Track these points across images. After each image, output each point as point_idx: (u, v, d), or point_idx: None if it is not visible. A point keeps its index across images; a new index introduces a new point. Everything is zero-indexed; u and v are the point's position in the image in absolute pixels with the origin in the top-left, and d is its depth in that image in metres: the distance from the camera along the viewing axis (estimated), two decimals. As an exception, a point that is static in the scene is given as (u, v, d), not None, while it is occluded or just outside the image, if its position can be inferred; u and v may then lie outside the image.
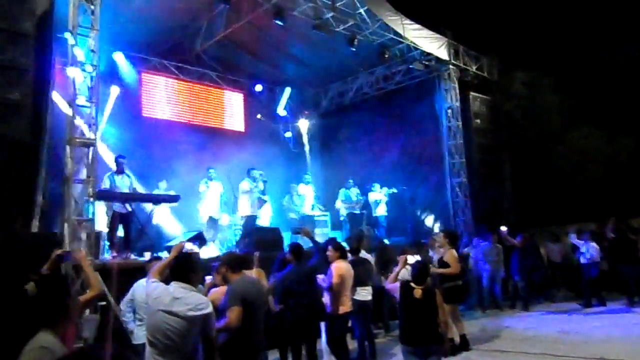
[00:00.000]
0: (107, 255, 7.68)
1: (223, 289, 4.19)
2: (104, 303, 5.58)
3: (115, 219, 7.98)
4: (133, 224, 8.15)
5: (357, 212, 11.81)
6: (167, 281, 3.32)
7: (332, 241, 6.44)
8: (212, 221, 9.90)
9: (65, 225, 6.33)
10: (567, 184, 12.35)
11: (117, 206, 7.96)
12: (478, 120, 13.11)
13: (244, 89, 13.94)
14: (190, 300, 3.13)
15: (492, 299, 10.01)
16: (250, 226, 9.47)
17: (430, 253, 8.33)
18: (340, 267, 5.78)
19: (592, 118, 12.61)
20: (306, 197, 11.63)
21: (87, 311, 5.40)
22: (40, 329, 2.25)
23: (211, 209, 9.93)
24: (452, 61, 12.45)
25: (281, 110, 14.54)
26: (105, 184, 7.98)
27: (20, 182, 6.50)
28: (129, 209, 8.01)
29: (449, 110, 12.44)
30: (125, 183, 8.17)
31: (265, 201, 10.50)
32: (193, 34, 11.04)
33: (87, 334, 5.21)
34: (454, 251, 6.93)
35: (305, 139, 14.95)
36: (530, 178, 12.78)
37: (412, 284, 4.55)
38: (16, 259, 4.31)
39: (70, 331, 3.38)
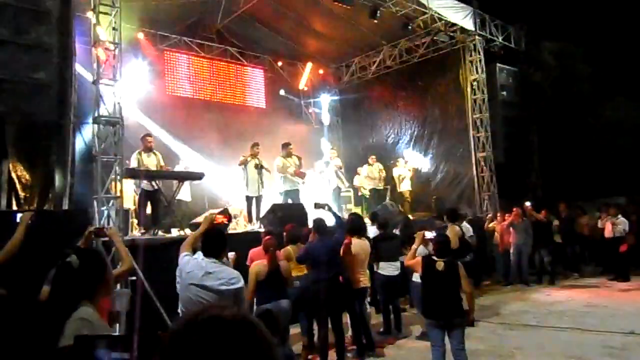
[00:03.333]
0: (135, 232, 7.84)
1: (264, 261, 4.78)
2: (134, 278, 5.71)
3: (142, 197, 8.11)
4: (160, 202, 8.26)
5: (380, 187, 11.75)
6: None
7: (352, 217, 6.47)
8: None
9: (94, 202, 6.48)
10: (596, 157, 12.02)
11: (144, 184, 8.07)
12: (504, 93, 12.80)
13: (265, 65, 13.86)
14: (222, 274, 3.19)
15: (518, 273, 9.93)
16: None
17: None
18: (353, 244, 5.82)
19: (625, 89, 12.16)
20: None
21: (119, 286, 5.54)
22: (80, 301, 2.31)
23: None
24: (478, 31, 12.08)
25: (302, 86, 14.44)
26: (133, 162, 8.07)
27: (49, 160, 6.65)
28: (155, 186, 8.11)
29: (474, 83, 12.15)
30: (153, 161, 8.26)
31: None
32: (213, 10, 10.96)
33: (119, 308, 5.35)
34: (455, 227, 6.83)
35: (327, 114, 14.86)
36: (558, 151, 12.47)
37: (434, 257, 4.54)
38: (52, 236, 4.43)
39: (106, 304, 3.47)
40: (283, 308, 4.71)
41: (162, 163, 8.40)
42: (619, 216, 9.79)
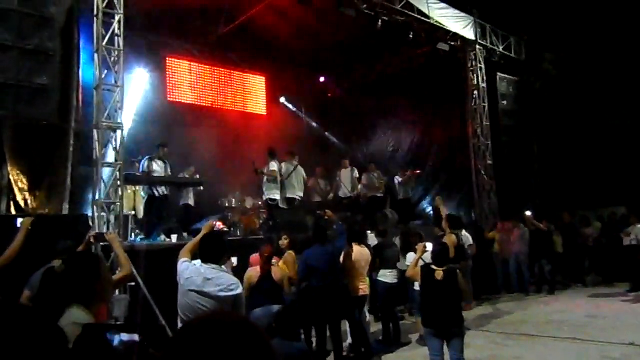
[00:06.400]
0: (140, 238, 7.87)
1: (257, 268, 4.86)
2: (133, 284, 5.70)
3: (149, 203, 8.27)
4: (162, 208, 8.38)
5: (380, 195, 11.73)
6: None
7: (353, 224, 6.47)
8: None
9: (94, 207, 6.48)
10: (596, 166, 12.01)
11: (151, 190, 8.28)
12: (505, 102, 12.81)
13: (266, 72, 13.91)
14: (221, 280, 3.19)
15: (518, 282, 9.91)
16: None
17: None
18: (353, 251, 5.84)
19: (626, 99, 12.16)
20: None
21: (117, 291, 5.54)
22: (71, 305, 2.29)
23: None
24: (479, 41, 12.14)
25: (303, 93, 14.48)
26: (142, 167, 8.33)
27: (50, 165, 6.67)
28: (158, 192, 8.27)
29: (475, 92, 12.19)
30: (161, 169, 8.45)
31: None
32: (215, 17, 11.02)
33: (118, 313, 5.35)
34: (452, 236, 6.80)
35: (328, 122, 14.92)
36: (559, 160, 12.49)
37: (433, 267, 4.53)
38: (51, 241, 4.43)
39: (103, 310, 3.46)
40: (274, 314, 4.68)
41: (169, 172, 8.60)
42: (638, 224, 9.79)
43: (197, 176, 9.68)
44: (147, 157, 8.45)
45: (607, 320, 7.25)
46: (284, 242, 5.92)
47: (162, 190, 8.33)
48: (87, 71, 7.44)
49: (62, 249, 4.19)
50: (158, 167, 8.41)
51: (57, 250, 4.19)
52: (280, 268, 5.26)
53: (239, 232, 9.12)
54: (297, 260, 5.69)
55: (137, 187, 8.80)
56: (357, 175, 11.42)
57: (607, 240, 10.47)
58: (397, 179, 12.07)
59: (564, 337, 6.39)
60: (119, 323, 4.67)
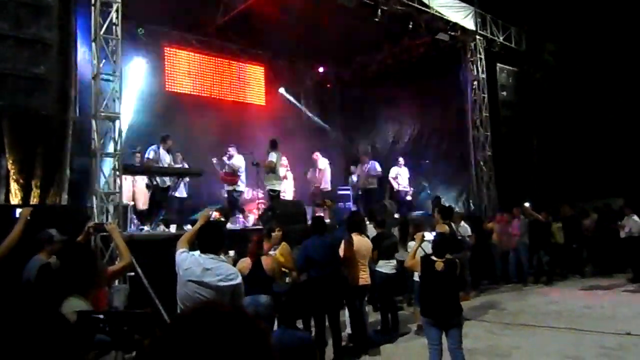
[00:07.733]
0: (145, 228, 7.90)
1: (248, 259, 4.72)
2: (132, 274, 5.71)
3: (155, 193, 8.33)
4: (164, 198, 8.44)
5: (375, 186, 11.73)
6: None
7: (353, 214, 6.47)
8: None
9: (94, 198, 6.48)
10: (595, 158, 12.01)
11: (158, 180, 8.34)
12: (504, 93, 12.78)
13: (265, 62, 13.83)
14: (220, 270, 3.19)
15: (516, 273, 9.95)
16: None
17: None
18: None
19: (625, 91, 12.13)
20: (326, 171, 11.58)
21: (117, 281, 5.55)
22: (69, 296, 2.31)
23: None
24: (479, 31, 12.07)
25: (302, 84, 14.41)
26: (147, 154, 8.46)
27: (48, 156, 6.65)
28: (163, 183, 8.32)
29: (475, 83, 12.15)
30: (167, 160, 8.55)
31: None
32: (214, 7, 10.93)
33: (118, 303, 5.37)
34: (445, 226, 6.79)
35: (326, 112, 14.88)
36: (558, 152, 12.48)
37: (433, 257, 4.54)
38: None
39: (102, 299, 3.48)
40: (261, 302, 4.68)
41: (172, 163, 8.70)
42: (634, 216, 9.81)
43: (185, 165, 9.55)
44: (152, 148, 8.46)
45: (604, 310, 7.29)
46: (277, 234, 5.81)
47: (165, 180, 8.40)
48: (85, 61, 7.40)
49: (43, 239, 4.11)
50: (164, 158, 8.46)
51: (36, 240, 4.11)
52: (275, 259, 5.24)
53: (237, 223, 9.13)
54: (292, 251, 5.70)
55: (136, 177, 8.79)
56: (320, 168, 11.39)
57: (600, 232, 10.48)
58: (396, 170, 12.06)
59: (561, 327, 6.43)
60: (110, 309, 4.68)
